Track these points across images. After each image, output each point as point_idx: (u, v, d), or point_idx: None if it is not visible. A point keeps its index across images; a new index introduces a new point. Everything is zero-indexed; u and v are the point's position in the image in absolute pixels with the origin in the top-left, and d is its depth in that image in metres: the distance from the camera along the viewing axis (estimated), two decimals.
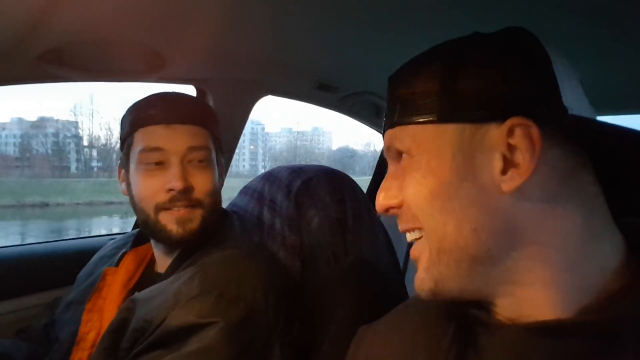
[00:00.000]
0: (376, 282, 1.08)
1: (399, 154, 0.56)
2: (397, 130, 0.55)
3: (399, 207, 0.55)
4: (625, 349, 0.45)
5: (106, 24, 0.96)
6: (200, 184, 0.97)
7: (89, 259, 1.19)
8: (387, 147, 0.58)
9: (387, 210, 0.56)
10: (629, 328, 0.45)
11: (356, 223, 1.15)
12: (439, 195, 0.51)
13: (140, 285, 1.02)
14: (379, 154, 2.45)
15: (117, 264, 1.06)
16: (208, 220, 0.98)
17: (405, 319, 0.65)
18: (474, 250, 0.50)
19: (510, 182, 0.49)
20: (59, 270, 1.42)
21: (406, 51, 0.60)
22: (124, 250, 1.09)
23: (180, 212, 0.95)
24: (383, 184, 0.58)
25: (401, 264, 1.27)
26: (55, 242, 1.62)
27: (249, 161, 38.57)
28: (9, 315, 1.31)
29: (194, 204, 0.96)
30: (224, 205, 1.22)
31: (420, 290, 0.55)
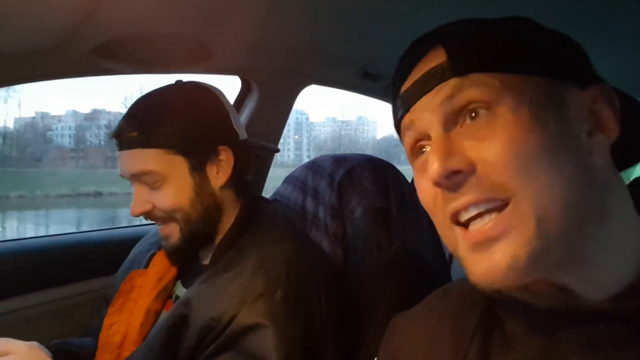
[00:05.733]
0: (421, 273, 1.07)
1: (460, 111, 0.48)
2: (472, 78, 0.48)
3: (470, 172, 0.46)
4: None
5: (154, 17, 0.98)
6: (160, 202, 0.96)
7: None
8: (451, 97, 0.48)
9: (447, 177, 0.46)
10: None
11: (400, 212, 1.14)
12: (547, 149, 0.45)
13: (185, 276, 1.04)
14: None
15: (145, 266, 1.08)
16: (189, 230, 0.97)
17: (435, 306, 0.65)
18: (587, 208, 0.45)
19: (599, 146, 0.49)
20: (111, 257, 1.47)
21: None
22: (152, 251, 1.11)
23: (161, 229, 1.00)
24: (438, 148, 0.48)
25: (446, 253, 1.24)
26: (109, 230, 1.67)
27: (293, 151, 38.74)
28: (59, 302, 1.37)
29: (166, 220, 0.98)
30: (269, 194, 1.23)
31: (508, 271, 0.44)
